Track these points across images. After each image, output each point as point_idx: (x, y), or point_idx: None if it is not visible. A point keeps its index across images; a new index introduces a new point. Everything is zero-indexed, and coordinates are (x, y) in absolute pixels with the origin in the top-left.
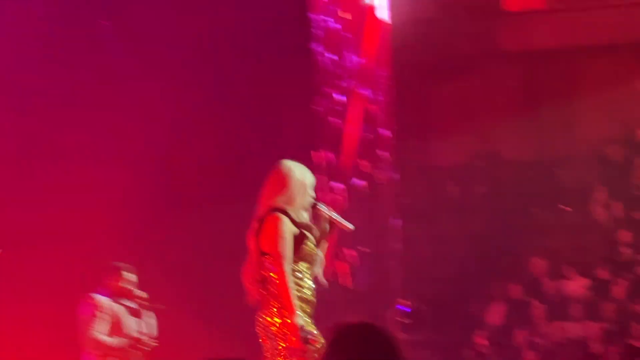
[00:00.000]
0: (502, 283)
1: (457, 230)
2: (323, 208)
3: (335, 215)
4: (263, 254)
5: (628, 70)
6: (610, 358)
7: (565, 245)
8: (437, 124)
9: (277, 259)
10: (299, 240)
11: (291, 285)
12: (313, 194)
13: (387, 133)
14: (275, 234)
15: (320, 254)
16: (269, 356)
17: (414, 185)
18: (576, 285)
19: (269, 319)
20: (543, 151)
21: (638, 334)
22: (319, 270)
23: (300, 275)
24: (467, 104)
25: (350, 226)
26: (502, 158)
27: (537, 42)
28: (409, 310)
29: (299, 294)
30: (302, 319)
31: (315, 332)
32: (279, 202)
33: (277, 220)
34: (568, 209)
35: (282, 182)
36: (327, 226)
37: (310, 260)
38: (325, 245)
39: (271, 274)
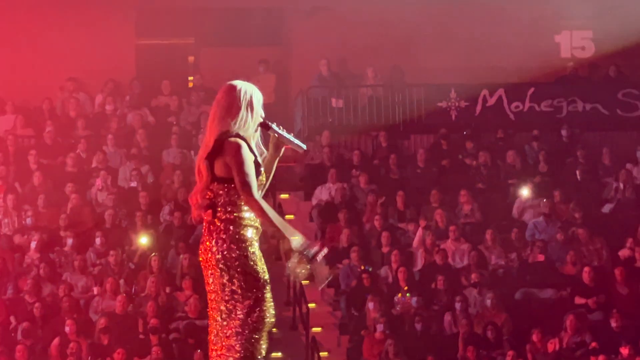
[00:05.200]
0: None
1: None
2: (275, 128)
3: (287, 135)
4: (217, 179)
5: None
6: None
7: None
8: None
9: (247, 189)
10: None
11: (271, 210)
12: (263, 113)
13: None
14: (240, 163)
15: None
16: (211, 289)
17: None
18: None
19: (214, 249)
20: None
21: None
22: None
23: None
24: None
25: (304, 146)
26: None
27: None
28: None
29: (253, 223)
30: (299, 242)
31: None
32: (234, 126)
33: (238, 148)
34: None
35: (233, 103)
36: (282, 147)
37: (261, 189)
38: (274, 166)
39: (243, 204)
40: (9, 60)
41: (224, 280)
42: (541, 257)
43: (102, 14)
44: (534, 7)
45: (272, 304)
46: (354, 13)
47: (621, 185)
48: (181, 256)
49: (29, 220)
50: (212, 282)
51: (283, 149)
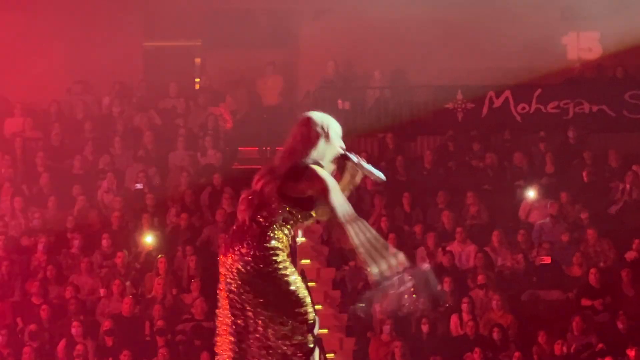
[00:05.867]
0: None
1: None
2: (354, 158)
3: (366, 166)
4: (285, 197)
5: None
6: None
7: None
8: None
9: (343, 213)
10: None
11: (366, 234)
12: (342, 144)
13: None
14: (326, 188)
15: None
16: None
17: None
18: None
19: (244, 257)
20: None
21: None
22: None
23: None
24: None
25: (383, 177)
26: None
27: None
28: None
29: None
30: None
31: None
32: (310, 157)
33: (317, 170)
34: None
35: (310, 135)
36: (359, 177)
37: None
38: (348, 193)
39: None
40: (17, 63)
41: (256, 288)
42: (547, 259)
43: (109, 16)
44: (541, 8)
45: (310, 303)
46: (361, 15)
47: (628, 187)
48: (188, 258)
49: (36, 222)
50: (235, 289)
51: (359, 178)
